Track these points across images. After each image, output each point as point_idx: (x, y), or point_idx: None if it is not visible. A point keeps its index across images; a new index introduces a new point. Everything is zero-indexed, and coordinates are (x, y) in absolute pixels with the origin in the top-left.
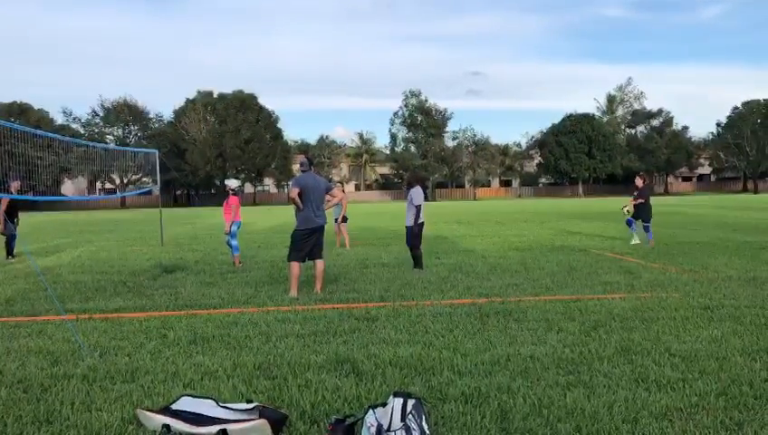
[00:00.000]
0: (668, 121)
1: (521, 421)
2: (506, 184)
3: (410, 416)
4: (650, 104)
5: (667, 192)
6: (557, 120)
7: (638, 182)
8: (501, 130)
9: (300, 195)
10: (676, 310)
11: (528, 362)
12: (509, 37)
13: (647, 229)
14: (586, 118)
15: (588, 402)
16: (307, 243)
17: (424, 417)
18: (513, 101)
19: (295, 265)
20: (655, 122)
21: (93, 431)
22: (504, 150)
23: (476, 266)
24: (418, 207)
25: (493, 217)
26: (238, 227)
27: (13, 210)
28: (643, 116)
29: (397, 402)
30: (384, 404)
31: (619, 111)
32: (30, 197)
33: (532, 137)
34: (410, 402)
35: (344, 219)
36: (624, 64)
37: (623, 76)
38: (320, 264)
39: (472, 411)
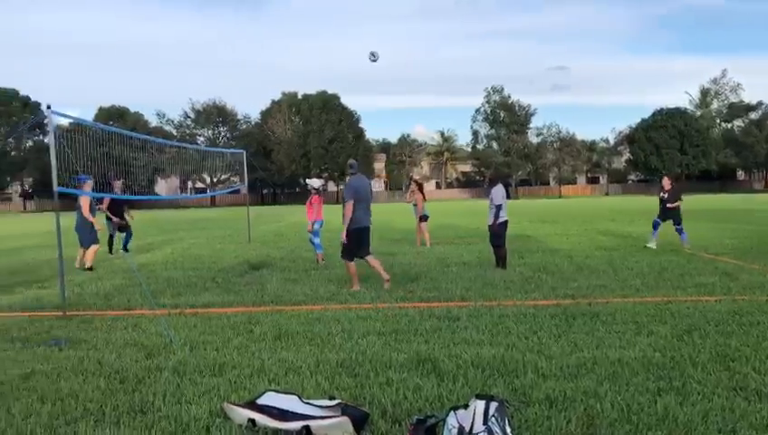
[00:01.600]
0: None
1: (608, 427)
2: (593, 181)
3: (493, 419)
4: (748, 97)
5: (767, 189)
6: (647, 114)
7: (666, 183)
8: (587, 125)
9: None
10: None
11: (616, 366)
12: (595, 30)
13: (680, 232)
14: (678, 112)
15: (680, 410)
16: (358, 242)
17: (507, 420)
18: (599, 95)
19: (352, 264)
20: (753, 115)
21: (183, 423)
22: (591, 147)
23: (561, 266)
24: (498, 207)
25: (579, 216)
26: (321, 226)
27: (117, 209)
28: (740, 109)
29: (479, 405)
30: (466, 406)
31: (714, 105)
32: (129, 196)
33: (621, 132)
34: (493, 405)
35: (424, 218)
36: (718, 56)
37: (717, 68)
38: (372, 260)
39: (556, 416)
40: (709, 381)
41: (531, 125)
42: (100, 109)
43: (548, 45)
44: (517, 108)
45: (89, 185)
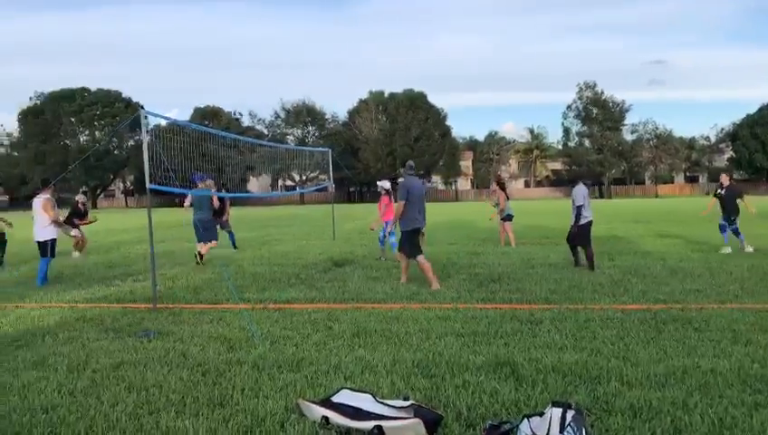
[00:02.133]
0: None
1: None
2: (692, 180)
3: (569, 428)
4: None
5: None
6: (752, 110)
7: (724, 180)
8: (686, 122)
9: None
10: None
11: (708, 376)
12: (696, 21)
13: (736, 232)
14: None
15: None
16: (411, 242)
17: (584, 430)
18: (700, 90)
19: (423, 259)
20: None
21: (259, 418)
22: (690, 144)
23: (653, 269)
24: (580, 207)
25: (675, 216)
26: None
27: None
28: None
29: (555, 412)
30: (541, 414)
31: None
32: (224, 193)
33: (723, 129)
34: (570, 413)
35: (509, 217)
36: None
37: None
38: (423, 262)
39: (641, 426)
40: None
41: (625, 122)
42: (196, 109)
43: (645, 38)
44: (611, 104)
45: (211, 184)
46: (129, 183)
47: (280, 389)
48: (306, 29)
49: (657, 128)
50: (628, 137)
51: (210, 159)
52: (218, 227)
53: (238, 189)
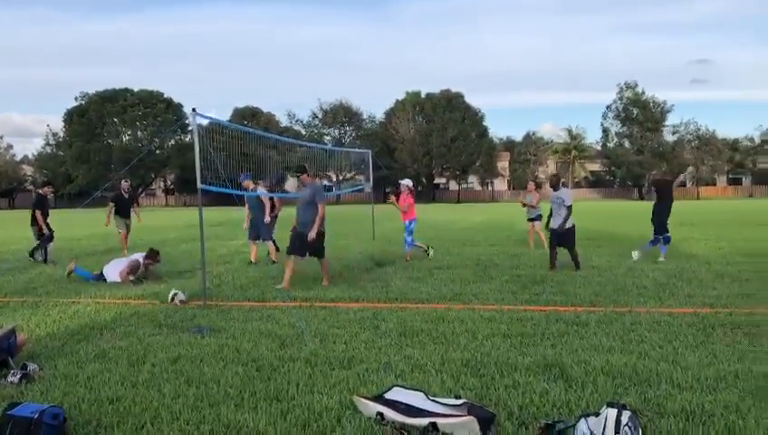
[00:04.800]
0: None
1: None
2: (735, 182)
3: (626, 429)
4: None
5: None
6: None
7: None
8: (730, 122)
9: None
10: None
11: (761, 381)
12: (741, 20)
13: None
14: None
15: None
16: (322, 243)
17: (640, 430)
18: (745, 90)
19: (296, 262)
20: None
21: (315, 413)
22: (734, 145)
23: (699, 273)
24: (570, 207)
25: (719, 219)
26: (412, 224)
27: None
28: None
29: (611, 413)
30: (597, 414)
31: None
32: (270, 193)
33: None
34: (625, 414)
35: (538, 218)
36: None
37: None
38: (325, 263)
39: (694, 429)
40: None
41: (666, 122)
42: (235, 109)
43: (688, 37)
44: (652, 104)
45: (263, 184)
46: (170, 182)
47: (333, 385)
48: (344, 29)
49: (699, 128)
50: (669, 138)
51: (251, 158)
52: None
53: (277, 189)
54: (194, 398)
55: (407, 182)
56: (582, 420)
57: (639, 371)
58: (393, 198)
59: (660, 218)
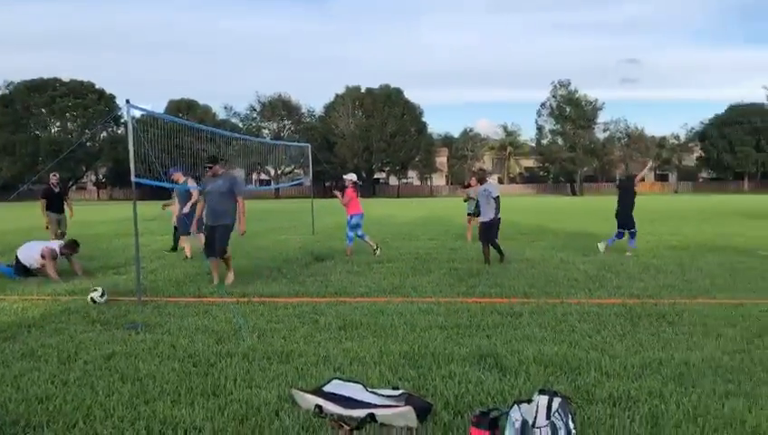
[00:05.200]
0: None
1: (673, 429)
2: (662, 178)
3: (556, 414)
4: None
5: None
6: (721, 110)
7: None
8: (657, 121)
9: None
10: None
11: (682, 367)
12: (670, 21)
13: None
14: (754, 107)
15: (749, 414)
16: None
17: (570, 416)
18: (671, 90)
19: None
20: None
21: (254, 407)
22: (661, 143)
23: (627, 266)
24: (498, 198)
25: (646, 214)
26: (360, 219)
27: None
28: None
29: (542, 400)
30: (529, 401)
31: None
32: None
33: (692, 128)
34: (556, 401)
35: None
36: None
37: None
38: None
39: (620, 415)
40: None
41: (598, 120)
42: (170, 102)
43: (619, 38)
44: (584, 102)
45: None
46: (101, 175)
47: (271, 379)
48: (283, 22)
49: (628, 127)
50: (600, 135)
51: (185, 151)
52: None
53: None
54: (128, 395)
55: (350, 176)
56: (515, 406)
57: (570, 359)
58: (338, 193)
59: (626, 213)
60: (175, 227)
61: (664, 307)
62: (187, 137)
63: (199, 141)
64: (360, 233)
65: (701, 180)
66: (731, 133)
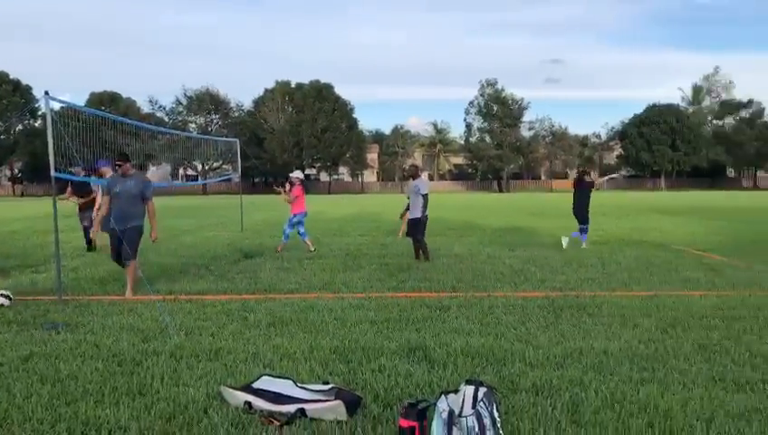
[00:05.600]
0: (759, 112)
1: (592, 415)
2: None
3: (481, 403)
4: (740, 94)
5: (756, 187)
6: (639, 110)
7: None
8: (580, 120)
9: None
10: (760, 309)
11: (601, 356)
12: (592, 24)
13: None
14: (670, 108)
15: (662, 399)
16: None
17: (495, 405)
18: (593, 90)
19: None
20: (744, 113)
21: (181, 405)
22: (583, 141)
23: (550, 260)
24: (426, 196)
25: (569, 210)
26: (304, 217)
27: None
28: (732, 107)
29: (468, 390)
30: (456, 391)
31: (706, 102)
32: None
33: (613, 128)
34: (482, 390)
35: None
36: (713, 52)
37: (712, 64)
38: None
39: (542, 403)
40: (690, 372)
41: (523, 119)
42: (92, 94)
43: (544, 38)
44: (510, 101)
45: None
46: (17, 170)
47: (200, 377)
48: (211, 13)
49: (553, 125)
50: (526, 133)
51: (109, 146)
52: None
53: None
54: (48, 396)
55: (297, 174)
56: (442, 397)
57: (496, 351)
58: (282, 189)
59: (582, 210)
60: (85, 226)
61: (585, 299)
62: (110, 131)
63: (123, 135)
64: (301, 231)
65: (621, 178)
66: (649, 132)
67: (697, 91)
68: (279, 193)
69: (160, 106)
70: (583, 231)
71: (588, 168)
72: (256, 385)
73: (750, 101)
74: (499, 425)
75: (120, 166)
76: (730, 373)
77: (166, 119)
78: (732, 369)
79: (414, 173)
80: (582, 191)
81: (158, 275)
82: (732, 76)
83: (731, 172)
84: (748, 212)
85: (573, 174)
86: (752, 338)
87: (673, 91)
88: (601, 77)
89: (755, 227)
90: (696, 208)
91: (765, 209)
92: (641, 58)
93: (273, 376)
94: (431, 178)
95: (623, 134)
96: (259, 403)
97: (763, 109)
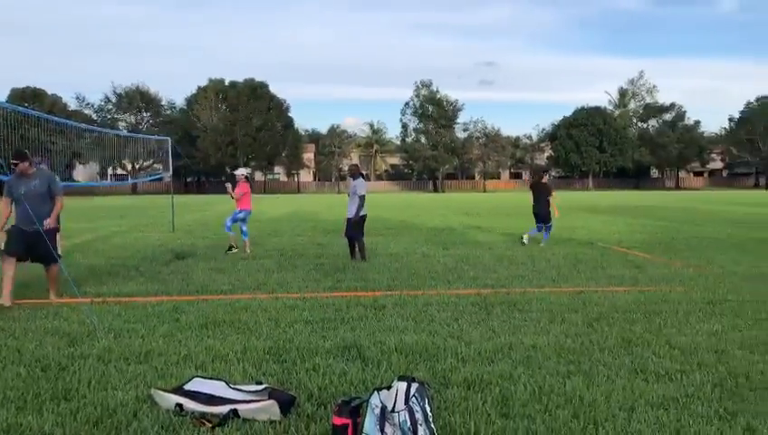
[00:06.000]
0: (680, 116)
1: (520, 407)
2: (516, 176)
3: (414, 399)
4: (663, 98)
5: (678, 187)
6: (569, 112)
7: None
8: (512, 121)
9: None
10: (679, 304)
11: (530, 351)
12: (523, 28)
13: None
14: (598, 111)
15: (587, 391)
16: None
17: (427, 400)
18: (525, 92)
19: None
20: (667, 116)
21: (109, 409)
22: (516, 143)
23: (483, 258)
24: (363, 198)
25: (502, 210)
26: (248, 215)
27: None
28: (655, 110)
29: (401, 386)
30: (389, 387)
31: (631, 105)
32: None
33: (544, 129)
34: (414, 386)
35: None
36: (637, 57)
37: (637, 69)
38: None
39: (473, 397)
40: (614, 364)
41: (458, 120)
42: (13, 90)
43: (478, 41)
44: (445, 102)
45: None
46: None
47: (129, 380)
48: (140, 8)
49: (486, 127)
50: (461, 134)
51: (32, 143)
52: None
53: (62, 177)
54: None
55: (242, 171)
56: (375, 393)
57: (429, 347)
58: (229, 186)
59: (542, 211)
60: None
61: (515, 296)
62: (33, 128)
63: (47, 133)
64: (244, 229)
65: (551, 178)
66: (577, 134)
67: (623, 94)
68: (227, 191)
69: (88, 103)
70: (547, 229)
71: (546, 168)
72: (188, 387)
73: (672, 105)
74: (431, 419)
75: (15, 166)
76: (651, 365)
77: (94, 116)
78: (653, 361)
79: (354, 172)
80: (541, 193)
81: (85, 277)
82: (655, 80)
83: (655, 173)
84: (670, 211)
85: (506, 174)
86: (671, 331)
87: (600, 94)
88: (532, 80)
89: (676, 226)
90: (621, 208)
91: (686, 209)
92: (570, 62)
93: (205, 377)
94: (368, 178)
95: (553, 136)
96: (191, 405)
97: (685, 112)
